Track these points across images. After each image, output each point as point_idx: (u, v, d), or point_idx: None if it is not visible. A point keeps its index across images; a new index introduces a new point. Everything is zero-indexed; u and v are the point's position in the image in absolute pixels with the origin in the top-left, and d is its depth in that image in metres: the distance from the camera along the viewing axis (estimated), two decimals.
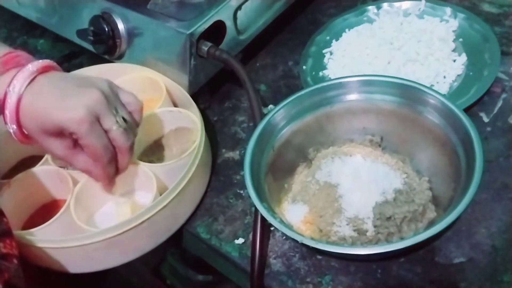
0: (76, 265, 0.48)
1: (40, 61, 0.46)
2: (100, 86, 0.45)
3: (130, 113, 0.48)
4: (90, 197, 0.51)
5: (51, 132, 0.45)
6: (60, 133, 0.45)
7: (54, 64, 0.48)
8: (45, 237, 0.47)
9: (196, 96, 0.60)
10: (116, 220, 0.50)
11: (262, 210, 0.43)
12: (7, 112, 0.45)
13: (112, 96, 0.46)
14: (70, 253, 0.47)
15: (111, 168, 0.48)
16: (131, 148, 0.48)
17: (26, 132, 0.47)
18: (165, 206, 0.47)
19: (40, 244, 0.46)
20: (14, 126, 0.46)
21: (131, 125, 0.47)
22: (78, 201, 0.49)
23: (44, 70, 0.46)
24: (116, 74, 0.61)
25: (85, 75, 0.49)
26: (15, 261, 0.40)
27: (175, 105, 0.60)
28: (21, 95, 0.44)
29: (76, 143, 0.46)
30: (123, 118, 0.46)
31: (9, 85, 0.44)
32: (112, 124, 0.45)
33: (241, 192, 0.55)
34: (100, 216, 0.52)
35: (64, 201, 0.49)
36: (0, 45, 0.50)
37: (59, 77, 0.47)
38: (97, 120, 0.44)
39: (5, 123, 0.46)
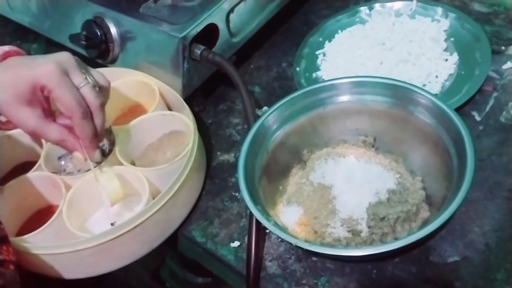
0: (70, 271, 0.48)
1: (5, 47, 0.49)
2: (67, 54, 0.47)
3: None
4: (83, 202, 0.51)
5: (23, 97, 0.45)
6: (31, 98, 0.45)
7: (20, 50, 0.51)
8: (38, 244, 0.47)
9: (190, 99, 0.61)
10: (106, 193, 0.49)
11: (256, 213, 0.43)
12: None
13: (80, 62, 0.48)
14: (64, 259, 0.47)
15: (88, 125, 0.47)
16: (102, 107, 0.48)
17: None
18: (158, 210, 0.47)
19: (33, 251, 0.46)
20: None
21: (104, 88, 0.48)
22: (71, 206, 0.49)
23: (7, 55, 0.49)
24: (109, 78, 0.61)
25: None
26: (11, 267, 0.40)
27: (169, 109, 0.60)
28: None
29: (47, 114, 0.47)
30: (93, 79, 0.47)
31: None
32: (82, 81, 0.46)
33: (236, 194, 0.55)
34: (93, 221, 0.52)
35: (57, 206, 0.49)
36: None
37: (26, 56, 0.50)
38: (67, 75, 0.45)
39: None
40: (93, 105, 0.47)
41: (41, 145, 0.57)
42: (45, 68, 0.44)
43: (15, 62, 0.47)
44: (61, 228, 0.48)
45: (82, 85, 0.46)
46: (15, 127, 0.52)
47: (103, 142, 0.54)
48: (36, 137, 0.50)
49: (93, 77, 0.48)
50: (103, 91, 0.49)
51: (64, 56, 0.46)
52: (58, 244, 0.46)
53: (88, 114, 0.46)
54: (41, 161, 0.53)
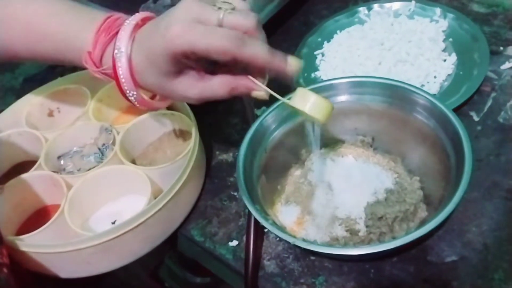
0: (71, 270, 0.48)
1: (137, 14, 0.43)
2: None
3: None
4: (85, 201, 0.51)
5: (169, 71, 0.40)
6: (178, 68, 0.40)
7: (152, 14, 0.45)
8: (39, 243, 0.47)
9: None
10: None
11: (255, 213, 0.43)
12: (122, 79, 0.42)
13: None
14: (65, 258, 0.47)
15: (254, 45, 0.38)
16: (259, 25, 0.39)
17: (146, 97, 0.45)
18: (160, 209, 0.47)
19: (34, 250, 0.46)
20: (134, 92, 0.43)
21: (246, 7, 0.40)
22: (73, 205, 0.49)
23: (143, 23, 0.43)
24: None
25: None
26: (4, 270, 0.39)
27: (169, 108, 0.60)
28: (129, 54, 0.41)
29: (202, 71, 0.42)
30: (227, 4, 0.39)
31: (114, 51, 0.41)
32: (218, 15, 0.38)
33: (235, 194, 0.55)
34: (95, 220, 0.52)
35: (58, 206, 0.49)
36: (97, 11, 0.46)
37: (156, 21, 0.42)
38: (199, 21, 0.38)
39: (124, 94, 0.44)
40: (250, 27, 0.39)
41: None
42: (172, 33, 0.37)
43: (144, 33, 0.42)
44: (62, 227, 0.48)
45: (222, 18, 0.38)
46: (169, 101, 0.50)
47: (103, 141, 0.55)
48: (205, 101, 0.44)
49: (227, 2, 0.40)
50: (244, 12, 0.40)
51: (184, 6, 0.38)
52: (60, 243, 0.46)
53: (246, 38, 0.38)
54: (41, 160, 0.53)
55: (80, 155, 0.54)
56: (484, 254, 0.45)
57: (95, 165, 0.53)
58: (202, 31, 0.37)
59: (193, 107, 0.60)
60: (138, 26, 0.42)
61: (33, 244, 0.46)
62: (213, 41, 0.37)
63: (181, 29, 0.37)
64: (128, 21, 0.42)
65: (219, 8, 0.38)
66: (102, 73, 0.45)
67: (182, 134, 0.57)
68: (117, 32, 0.42)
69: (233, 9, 0.39)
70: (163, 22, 0.39)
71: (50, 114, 0.63)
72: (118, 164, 0.52)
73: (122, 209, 0.53)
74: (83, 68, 0.50)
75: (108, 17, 0.44)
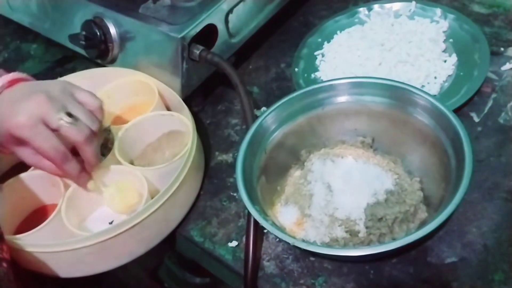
0: (67, 269, 0.48)
1: (8, 75, 0.49)
2: (48, 89, 0.47)
3: (89, 111, 0.49)
4: (82, 201, 0.51)
5: (10, 140, 0.47)
6: (18, 141, 0.47)
7: (24, 75, 0.50)
8: (36, 242, 0.47)
9: (189, 99, 0.61)
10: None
11: (254, 213, 0.43)
12: None
13: (60, 96, 0.47)
14: (62, 258, 0.47)
15: (71, 166, 0.48)
16: (88, 141, 0.47)
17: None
18: (156, 210, 0.47)
19: (31, 249, 0.46)
20: None
21: (88, 118, 0.48)
22: (70, 205, 0.49)
23: (10, 84, 0.48)
24: (108, 78, 0.61)
25: (47, 82, 0.50)
26: (4, 264, 0.40)
27: (168, 109, 0.60)
28: None
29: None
30: (69, 114, 0.46)
31: None
32: (57, 122, 0.46)
33: (234, 194, 0.55)
34: (92, 220, 0.52)
35: (55, 206, 0.49)
36: None
37: (21, 88, 0.48)
38: (42, 122, 0.46)
39: None
40: (77, 142, 0.47)
41: None
42: (17, 121, 0.45)
43: (6, 98, 0.48)
44: (59, 227, 0.48)
45: (59, 126, 0.46)
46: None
47: (101, 141, 0.55)
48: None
49: (76, 108, 0.48)
50: (95, 112, 0.49)
51: (39, 99, 0.46)
52: (56, 243, 0.46)
53: (67, 157, 0.47)
54: None
55: None
56: (484, 255, 0.44)
57: None
58: (40, 133, 0.45)
59: (192, 107, 0.60)
60: (3, 88, 0.48)
61: (29, 244, 0.46)
62: (43, 146, 0.46)
63: (25, 123, 0.45)
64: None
65: (61, 118, 0.46)
66: None
67: (181, 135, 0.56)
68: None
69: (72, 122, 0.46)
70: (16, 106, 0.46)
71: None
72: (116, 164, 0.52)
73: None
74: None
75: None
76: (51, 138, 0.46)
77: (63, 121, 0.46)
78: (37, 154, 0.48)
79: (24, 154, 0.49)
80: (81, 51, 0.66)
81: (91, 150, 0.48)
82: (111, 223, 0.51)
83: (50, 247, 0.46)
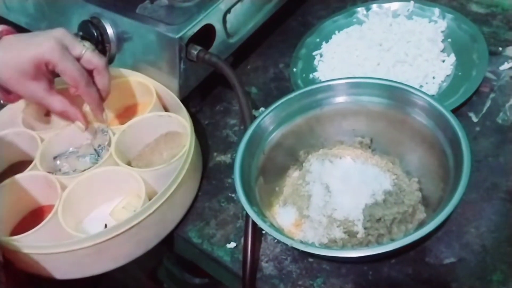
0: (64, 271, 0.48)
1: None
2: (63, 29, 0.51)
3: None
4: (79, 202, 0.51)
5: (28, 72, 0.49)
6: (36, 73, 0.49)
7: (12, 29, 0.52)
8: (33, 243, 0.46)
9: (187, 99, 0.60)
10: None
11: (252, 214, 0.43)
12: None
13: (74, 35, 0.53)
14: (59, 259, 0.47)
15: (92, 90, 0.52)
16: (106, 67, 0.52)
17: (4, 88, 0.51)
18: (154, 212, 0.47)
19: (27, 250, 0.46)
20: None
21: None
22: (67, 206, 0.49)
23: (7, 33, 0.51)
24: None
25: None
26: None
27: (166, 110, 0.60)
28: None
29: (51, 85, 0.52)
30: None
31: None
32: (81, 49, 0.51)
33: (233, 195, 0.55)
34: (89, 222, 0.52)
35: (52, 207, 0.49)
36: None
37: (22, 34, 0.52)
38: (67, 49, 0.50)
39: None
40: (99, 65, 0.51)
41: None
42: (47, 45, 0.48)
43: (13, 41, 0.50)
44: (56, 228, 0.48)
45: (83, 53, 0.50)
46: (19, 99, 0.56)
47: (99, 142, 0.54)
48: (42, 106, 0.56)
49: (89, 43, 0.53)
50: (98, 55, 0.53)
51: (60, 32, 0.50)
52: (53, 244, 0.46)
53: (91, 81, 0.52)
54: (36, 161, 0.53)
55: (76, 155, 0.54)
56: (482, 255, 0.44)
57: (90, 166, 0.53)
58: (67, 57, 0.49)
59: (189, 108, 0.60)
60: (2, 34, 0.51)
61: (26, 245, 0.46)
62: (70, 68, 0.49)
63: (55, 47, 0.48)
64: None
65: (83, 45, 0.51)
66: None
67: (179, 136, 0.56)
68: None
69: (94, 50, 0.52)
70: (40, 37, 0.49)
71: (47, 114, 0.63)
72: (113, 165, 0.52)
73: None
74: None
75: None
76: (77, 63, 0.50)
77: (86, 48, 0.51)
78: (50, 90, 0.51)
79: (37, 89, 0.50)
80: None
81: (108, 76, 0.53)
82: (106, 225, 0.51)
83: (46, 249, 0.46)
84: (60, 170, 0.55)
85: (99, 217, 0.52)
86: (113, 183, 0.52)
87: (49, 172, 0.52)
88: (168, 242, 0.53)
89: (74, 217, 0.51)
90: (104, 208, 0.53)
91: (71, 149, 0.56)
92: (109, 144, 0.54)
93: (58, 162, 0.55)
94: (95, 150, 0.54)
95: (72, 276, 0.49)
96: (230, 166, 0.58)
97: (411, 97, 0.47)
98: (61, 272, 0.48)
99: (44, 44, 0.48)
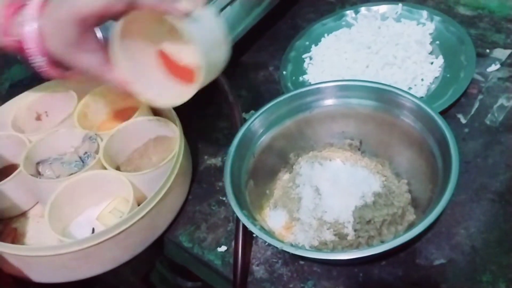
0: (51, 275, 0.48)
1: None
2: None
3: None
4: (66, 206, 0.50)
5: (78, 40, 0.41)
6: (83, 37, 0.41)
7: None
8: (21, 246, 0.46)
9: None
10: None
11: (242, 218, 0.43)
12: (30, 45, 0.42)
13: None
14: (46, 263, 0.46)
15: None
16: None
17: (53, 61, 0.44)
18: (143, 217, 0.47)
19: (13, 252, 0.45)
20: (41, 58, 0.43)
21: None
22: (54, 210, 0.48)
23: None
24: (95, 82, 0.61)
25: None
26: None
27: (155, 113, 0.60)
28: (38, 21, 0.42)
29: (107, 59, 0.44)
30: None
31: (22, 20, 0.42)
32: None
33: (224, 199, 0.55)
34: (76, 225, 0.52)
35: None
36: None
37: None
38: None
39: (31, 61, 0.43)
40: None
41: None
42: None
43: (54, 3, 0.42)
44: (44, 232, 0.47)
45: None
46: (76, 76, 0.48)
47: (85, 150, 0.54)
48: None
49: None
50: None
51: None
52: (40, 247, 0.45)
53: None
54: (21, 165, 0.52)
55: (60, 162, 0.53)
56: (472, 256, 0.45)
57: (75, 172, 0.52)
58: None
59: (180, 111, 0.59)
60: None
61: (12, 247, 0.46)
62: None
63: None
64: None
65: None
66: (11, 43, 0.44)
67: (168, 140, 0.56)
68: (21, 5, 0.43)
69: None
70: None
71: (38, 118, 0.63)
72: (101, 170, 0.52)
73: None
74: None
75: None
76: None
77: None
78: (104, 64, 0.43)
79: (89, 58, 0.43)
80: None
81: None
82: (93, 230, 0.51)
83: (33, 251, 0.45)
84: (43, 175, 0.53)
85: (86, 221, 0.52)
86: (101, 187, 0.51)
87: (31, 175, 0.51)
88: (159, 246, 0.53)
89: (61, 221, 0.51)
90: (91, 212, 0.52)
91: (54, 156, 0.55)
92: (96, 152, 0.53)
93: (41, 168, 0.54)
94: (80, 158, 0.54)
95: (59, 280, 0.48)
96: (221, 169, 0.57)
97: (399, 99, 0.47)
98: (47, 275, 0.48)
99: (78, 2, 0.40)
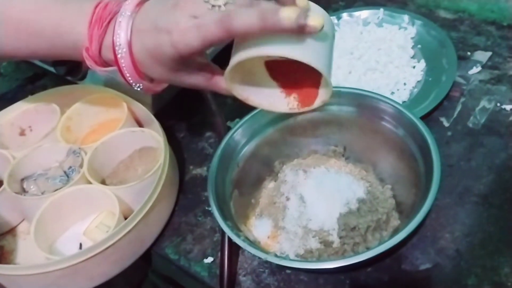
0: None
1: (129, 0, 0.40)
2: None
3: None
4: (52, 223, 0.50)
5: (180, 68, 0.39)
6: (184, 64, 0.39)
7: None
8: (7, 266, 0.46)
9: (162, 113, 0.60)
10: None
11: (226, 229, 0.42)
12: (126, 73, 0.40)
13: None
14: (34, 281, 0.46)
15: (249, 14, 0.35)
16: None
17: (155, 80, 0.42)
18: (130, 231, 0.46)
19: (2, 272, 0.45)
20: (140, 84, 0.41)
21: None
22: (39, 227, 0.48)
23: (139, 8, 0.40)
24: (78, 95, 0.61)
25: None
26: None
27: (140, 125, 0.59)
28: (130, 50, 0.39)
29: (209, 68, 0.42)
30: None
31: (113, 44, 0.39)
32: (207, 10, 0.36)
33: (210, 209, 0.54)
34: (63, 242, 0.51)
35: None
36: (84, 0, 0.42)
37: (152, 5, 0.40)
38: (196, 17, 0.36)
39: (130, 85, 0.41)
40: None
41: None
42: (179, 32, 0.36)
43: (143, 26, 0.38)
44: (30, 250, 0.46)
45: (223, 8, 0.36)
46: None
47: (70, 164, 0.53)
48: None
49: None
50: None
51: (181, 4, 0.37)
52: (28, 266, 0.45)
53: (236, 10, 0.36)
54: (4, 184, 0.52)
55: (45, 177, 0.53)
56: (457, 260, 0.45)
57: (60, 187, 0.52)
58: (203, 25, 0.35)
59: (165, 121, 0.59)
60: (135, 12, 0.39)
61: (1, 267, 0.45)
62: (217, 33, 0.35)
63: (187, 27, 0.36)
64: (123, 12, 0.39)
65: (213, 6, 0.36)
66: (105, 70, 0.42)
67: (153, 151, 0.56)
68: (109, 22, 0.40)
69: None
70: (164, 22, 0.37)
71: (22, 133, 0.62)
72: (86, 184, 0.51)
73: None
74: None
75: (97, 6, 0.41)
76: (216, 15, 0.36)
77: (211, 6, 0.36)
78: (210, 78, 0.42)
79: (191, 78, 0.41)
80: (50, 68, 0.64)
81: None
82: (81, 245, 0.50)
83: (20, 270, 0.45)
84: (28, 192, 0.53)
85: (73, 236, 0.51)
86: (86, 202, 0.51)
87: (16, 193, 0.51)
88: (146, 259, 0.53)
89: (48, 238, 0.50)
90: (78, 227, 0.52)
91: (39, 171, 0.54)
92: (81, 166, 0.53)
93: (25, 184, 0.53)
94: (64, 172, 0.53)
95: None
96: (206, 179, 0.56)
97: (381, 105, 0.47)
98: None
99: (176, 32, 0.36)
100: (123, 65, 0.40)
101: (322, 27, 0.34)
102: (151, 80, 0.42)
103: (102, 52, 0.41)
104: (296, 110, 0.44)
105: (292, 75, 0.43)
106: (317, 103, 0.43)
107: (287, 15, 0.33)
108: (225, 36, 0.35)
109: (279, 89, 0.44)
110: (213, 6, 0.36)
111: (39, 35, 0.43)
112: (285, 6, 0.35)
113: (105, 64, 0.42)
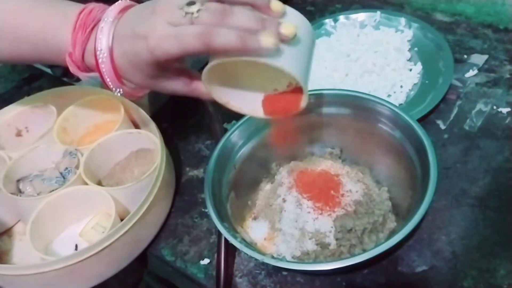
0: None
1: (114, 6, 0.40)
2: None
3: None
4: (48, 224, 0.50)
5: (157, 73, 0.40)
6: (163, 70, 0.40)
7: (128, 2, 0.42)
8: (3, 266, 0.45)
9: (159, 114, 0.60)
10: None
11: (223, 231, 0.42)
12: (107, 78, 0.40)
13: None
14: (29, 281, 0.45)
15: (244, 16, 0.36)
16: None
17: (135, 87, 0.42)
18: (126, 232, 0.46)
19: None
20: (120, 89, 0.42)
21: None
22: (35, 228, 0.48)
23: (121, 15, 0.40)
24: (74, 96, 0.60)
25: None
26: None
27: (136, 126, 0.59)
28: (111, 55, 0.39)
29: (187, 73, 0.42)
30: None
31: (95, 49, 0.39)
32: (191, 10, 0.36)
33: (206, 210, 0.54)
34: (59, 242, 0.51)
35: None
36: (67, 4, 0.43)
37: (133, 12, 0.40)
38: (174, 25, 0.36)
39: (110, 89, 0.42)
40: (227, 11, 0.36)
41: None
42: (155, 38, 0.36)
43: (123, 32, 0.39)
44: (26, 251, 0.46)
45: (196, 15, 0.36)
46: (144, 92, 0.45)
47: (66, 165, 0.53)
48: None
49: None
50: None
51: (163, 6, 0.37)
52: (24, 266, 0.45)
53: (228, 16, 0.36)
54: (0, 184, 0.51)
55: (41, 178, 0.52)
56: (453, 262, 0.45)
57: (56, 188, 0.51)
58: (176, 33, 0.36)
59: (162, 123, 0.59)
60: (117, 19, 0.40)
61: None
62: (188, 45, 0.35)
63: (164, 34, 0.36)
64: (106, 18, 0.39)
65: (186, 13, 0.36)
66: (88, 75, 0.43)
67: (150, 153, 0.56)
68: (93, 28, 0.40)
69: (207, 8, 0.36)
70: (141, 28, 0.37)
71: (19, 134, 0.62)
72: (82, 185, 0.51)
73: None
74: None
75: (81, 12, 0.41)
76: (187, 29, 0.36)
77: (198, 6, 0.36)
78: (188, 83, 0.42)
79: (178, 81, 0.41)
80: (46, 70, 0.64)
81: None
82: (76, 246, 0.50)
83: (16, 270, 0.45)
84: (23, 193, 0.53)
85: (69, 237, 0.51)
86: (83, 203, 0.51)
87: (12, 194, 0.51)
88: (142, 260, 0.52)
89: (44, 238, 0.50)
90: (74, 228, 0.52)
91: (35, 172, 0.54)
92: (77, 167, 0.53)
93: (21, 185, 0.53)
94: (60, 173, 0.53)
95: None
96: (203, 181, 0.56)
97: (378, 108, 0.48)
98: None
99: (152, 38, 0.36)
100: (104, 70, 0.40)
101: (295, 35, 0.35)
102: (132, 85, 0.42)
103: (85, 57, 0.41)
104: (278, 116, 0.42)
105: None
106: (299, 108, 0.41)
107: (266, 40, 0.34)
108: (204, 50, 0.36)
109: (261, 94, 0.42)
110: (186, 13, 0.36)
111: (22, 39, 0.43)
112: (264, 30, 0.35)
113: (88, 69, 0.42)
